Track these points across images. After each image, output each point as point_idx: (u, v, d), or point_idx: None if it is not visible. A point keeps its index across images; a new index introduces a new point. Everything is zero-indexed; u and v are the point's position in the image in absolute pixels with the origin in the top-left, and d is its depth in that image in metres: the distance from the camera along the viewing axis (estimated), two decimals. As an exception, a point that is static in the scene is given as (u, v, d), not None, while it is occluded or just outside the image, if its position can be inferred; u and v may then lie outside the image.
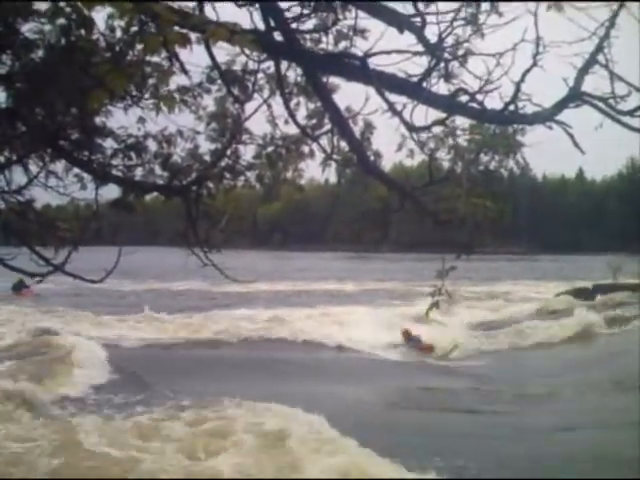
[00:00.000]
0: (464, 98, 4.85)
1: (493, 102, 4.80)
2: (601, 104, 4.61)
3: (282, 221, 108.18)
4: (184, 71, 4.21)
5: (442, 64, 4.84)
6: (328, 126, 5.39)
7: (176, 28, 2.65)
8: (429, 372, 15.31)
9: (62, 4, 3.35)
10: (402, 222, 72.71)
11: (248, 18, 4.47)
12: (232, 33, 2.64)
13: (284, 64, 5.01)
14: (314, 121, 5.41)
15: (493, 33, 4.74)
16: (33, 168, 4.45)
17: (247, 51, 4.68)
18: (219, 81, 5.00)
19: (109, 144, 4.64)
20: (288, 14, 4.62)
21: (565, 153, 10.38)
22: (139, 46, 3.13)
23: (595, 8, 4.30)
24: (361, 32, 4.87)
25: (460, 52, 4.89)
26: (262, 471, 6.87)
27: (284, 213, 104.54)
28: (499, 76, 4.73)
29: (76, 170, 4.60)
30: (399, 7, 4.57)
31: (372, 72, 4.61)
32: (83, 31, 3.57)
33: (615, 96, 4.57)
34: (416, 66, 4.75)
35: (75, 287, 23.21)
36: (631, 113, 4.56)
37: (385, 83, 4.68)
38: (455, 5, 4.70)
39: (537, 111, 4.73)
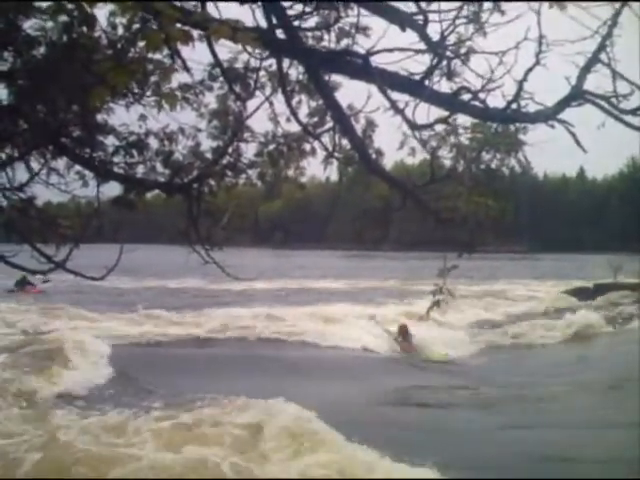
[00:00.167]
0: (466, 96, 4.85)
1: (495, 100, 4.80)
2: (603, 103, 4.61)
3: (283, 219, 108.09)
4: (186, 68, 4.20)
5: (444, 62, 4.83)
6: (330, 124, 5.39)
7: (178, 25, 2.64)
8: (421, 370, 15.32)
9: (64, 2, 3.35)
10: (403, 221, 72.46)
11: (250, 16, 4.46)
12: (235, 31, 2.63)
13: (286, 62, 5.01)
14: (316, 119, 5.41)
15: (495, 32, 4.73)
16: (35, 165, 4.46)
17: (249, 49, 4.67)
18: (221, 79, 5.00)
19: (111, 141, 4.65)
20: (290, 12, 4.62)
21: (566, 152, 10.39)
22: (141, 43, 3.13)
23: (598, 7, 4.29)
24: (363, 30, 4.86)
25: (462, 50, 4.88)
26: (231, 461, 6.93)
27: (285, 211, 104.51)
28: (501, 74, 4.73)
29: (77, 167, 4.61)
30: (401, 5, 4.57)
31: (374, 70, 4.61)
32: (85, 28, 3.57)
33: (617, 95, 4.57)
34: (418, 64, 4.76)
35: (75, 284, 23.25)
36: (633, 112, 4.56)
37: (387, 81, 4.68)
38: (457, 3, 4.70)
39: (539, 109, 4.73)
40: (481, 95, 4.79)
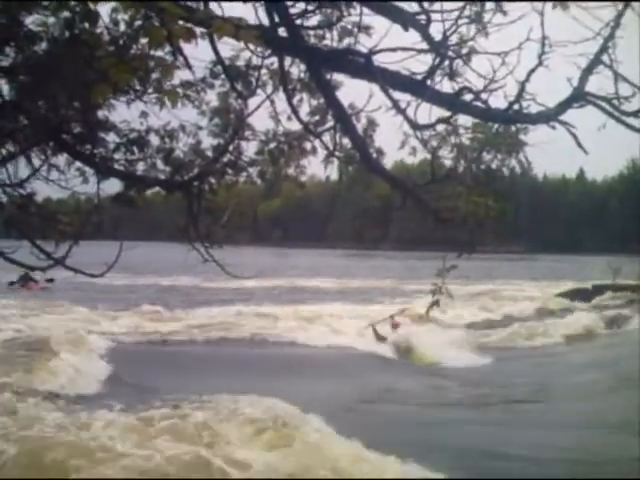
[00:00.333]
0: (468, 97, 4.84)
1: (497, 101, 4.79)
2: (605, 104, 4.60)
3: (282, 218, 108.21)
4: (188, 66, 4.19)
5: (446, 62, 4.82)
6: (331, 123, 5.38)
7: (181, 22, 2.64)
8: (411, 371, 15.36)
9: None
10: (403, 220, 72.69)
11: (252, 13, 4.45)
12: (237, 28, 2.63)
13: (288, 60, 5.00)
14: (317, 117, 5.40)
15: (498, 32, 4.72)
16: (35, 161, 4.45)
17: (251, 46, 4.66)
18: (222, 76, 4.99)
19: (111, 138, 4.65)
20: (293, 10, 4.61)
21: (566, 153, 10.39)
22: (143, 40, 3.13)
23: (600, 8, 4.29)
24: (365, 29, 4.85)
25: (464, 51, 4.87)
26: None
27: (285, 210, 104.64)
28: (504, 75, 4.72)
29: (78, 164, 4.60)
30: (404, 5, 4.56)
31: (376, 69, 4.60)
32: (87, 24, 3.56)
33: (619, 97, 4.57)
34: (420, 64, 4.74)
35: (72, 281, 23.33)
36: (635, 114, 4.56)
37: (389, 80, 4.67)
38: (460, 3, 4.69)
39: (541, 111, 4.72)
40: (483, 95, 4.78)
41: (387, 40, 4.71)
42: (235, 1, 4.38)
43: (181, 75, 4.38)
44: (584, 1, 4.15)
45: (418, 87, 4.73)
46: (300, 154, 5.51)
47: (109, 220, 5.68)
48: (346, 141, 5.46)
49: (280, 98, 5.18)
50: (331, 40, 4.96)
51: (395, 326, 18.37)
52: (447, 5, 4.67)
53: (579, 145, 4.79)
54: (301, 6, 4.69)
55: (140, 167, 4.84)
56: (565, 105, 4.66)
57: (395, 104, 4.86)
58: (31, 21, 3.72)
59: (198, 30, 2.95)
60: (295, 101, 5.24)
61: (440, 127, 5.20)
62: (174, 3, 2.61)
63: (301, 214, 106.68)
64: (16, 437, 7.32)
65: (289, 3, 4.57)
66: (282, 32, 4.58)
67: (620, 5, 4.39)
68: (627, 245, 66.08)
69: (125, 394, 10.87)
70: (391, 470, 7.06)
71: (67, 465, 6.68)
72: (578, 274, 38.77)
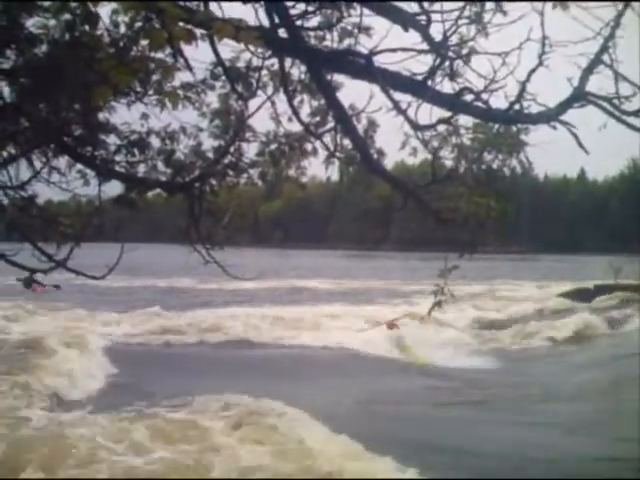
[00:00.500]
0: (469, 97, 4.84)
1: (498, 101, 4.79)
2: (605, 104, 4.60)
3: (283, 219, 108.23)
4: (188, 67, 4.19)
5: (447, 63, 4.82)
6: (331, 124, 5.38)
7: (181, 24, 2.64)
8: (411, 371, 15.37)
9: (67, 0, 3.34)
10: (404, 220, 72.79)
11: (253, 15, 4.46)
12: (237, 30, 2.63)
13: (288, 61, 5.00)
14: (317, 119, 5.40)
15: (498, 32, 4.72)
16: (36, 164, 4.44)
17: (251, 48, 4.66)
18: (223, 78, 4.99)
19: (112, 140, 4.64)
20: (293, 11, 4.61)
21: (567, 153, 10.40)
22: (143, 42, 3.12)
23: (600, 7, 4.29)
24: (365, 30, 4.85)
25: (465, 51, 4.87)
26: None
27: (286, 211, 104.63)
28: (504, 75, 4.72)
29: (79, 166, 4.60)
30: (404, 5, 4.56)
31: (376, 70, 4.60)
32: (87, 26, 3.56)
33: (619, 96, 4.56)
34: (421, 64, 4.74)
35: (73, 283, 23.36)
36: (635, 113, 4.55)
37: (389, 81, 4.67)
38: (460, 4, 4.69)
39: (542, 111, 4.72)
40: (484, 96, 4.78)
41: (387, 41, 4.72)
42: (235, 2, 4.39)
43: (181, 77, 4.39)
44: (584, 1, 4.16)
45: (419, 88, 4.73)
46: (301, 155, 5.51)
47: (110, 222, 5.67)
48: (347, 142, 5.46)
49: (281, 99, 5.19)
50: (331, 41, 4.97)
51: (391, 326, 18.35)
52: (447, 5, 4.68)
53: (580, 145, 4.78)
54: (301, 7, 4.70)
55: (141, 169, 4.84)
56: (566, 105, 4.66)
57: (396, 105, 4.86)
58: (32, 23, 3.72)
59: (198, 32, 2.95)
60: (296, 102, 5.24)
61: (441, 127, 5.20)
62: (174, 4, 2.61)
63: (302, 215, 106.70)
64: (4, 437, 7.38)
65: (289, 4, 4.57)
66: (282, 33, 4.59)
67: (620, 5, 4.39)
68: (628, 245, 66.08)
69: (122, 394, 10.91)
70: (388, 470, 7.07)
71: (54, 464, 6.74)
72: (579, 274, 38.75)
